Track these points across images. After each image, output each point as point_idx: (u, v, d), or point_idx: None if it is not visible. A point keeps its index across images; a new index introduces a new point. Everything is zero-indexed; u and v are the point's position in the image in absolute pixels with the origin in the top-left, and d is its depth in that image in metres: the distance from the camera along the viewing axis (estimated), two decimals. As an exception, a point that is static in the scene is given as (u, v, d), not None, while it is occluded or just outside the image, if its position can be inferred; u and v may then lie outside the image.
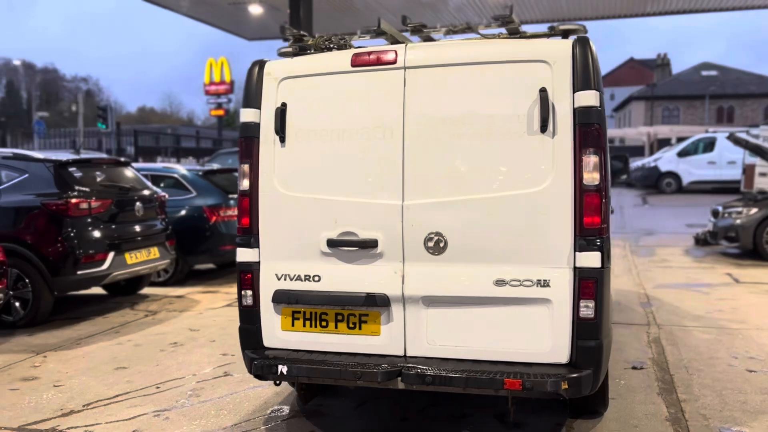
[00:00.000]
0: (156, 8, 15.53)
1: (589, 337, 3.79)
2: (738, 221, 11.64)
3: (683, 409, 4.70)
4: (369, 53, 4.14)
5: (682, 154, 26.86)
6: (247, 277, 4.30)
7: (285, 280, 4.23)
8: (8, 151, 8.32)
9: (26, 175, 7.77)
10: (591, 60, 3.82)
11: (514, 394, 3.72)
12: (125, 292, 9.26)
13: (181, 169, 10.61)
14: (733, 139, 12.47)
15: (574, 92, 3.79)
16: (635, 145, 43.74)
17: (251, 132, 4.29)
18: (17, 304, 7.55)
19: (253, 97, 4.31)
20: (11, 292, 7.46)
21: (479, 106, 3.95)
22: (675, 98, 52.95)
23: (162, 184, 10.07)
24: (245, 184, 4.32)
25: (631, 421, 4.52)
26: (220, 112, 48.03)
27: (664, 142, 36.65)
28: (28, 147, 42.46)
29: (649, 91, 53.40)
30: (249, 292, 4.31)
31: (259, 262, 4.30)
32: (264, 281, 4.27)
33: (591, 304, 3.77)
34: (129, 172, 8.84)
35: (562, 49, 3.85)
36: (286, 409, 4.86)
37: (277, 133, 4.23)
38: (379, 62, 4.10)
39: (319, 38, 4.34)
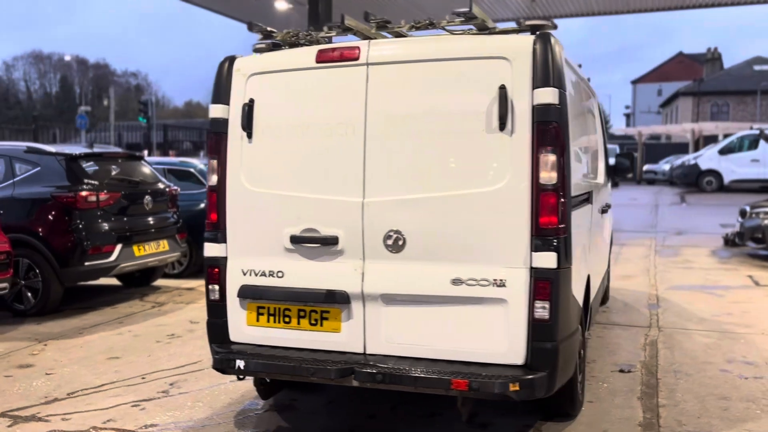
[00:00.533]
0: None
1: (544, 338, 3.72)
2: (766, 221, 11.26)
3: (659, 415, 4.58)
4: (333, 49, 4.13)
5: (723, 151, 26.12)
6: (215, 271, 4.35)
7: (250, 275, 4.26)
8: (22, 144, 8.56)
9: (38, 168, 7.99)
10: (551, 57, 3.74)
11: (463, 394, 3.68)
12: (138, 283, 9.45)
13: (197, 163, 10.76)
14: (764, 136, 12.06)
15: (533, 89, 3.72)
16: (680, 142, 42.74)
17: (220, 128, 4.33)
18: (29, 293, 7.77)
19: (222, 93, 4.35)
20: (23, 282, 7.69)
21: (439, 103, 3.91)
22: (724, 93, 51.42)
23: (177, 179, 10.23)
24: (213, 179, 4.36)
25: (603, 425, 4.43)
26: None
27: (710, 139, 35.72)
28: (75, 140, 43.60)
29: (697, 87, 51.97)
30: (216, 287, 4.36)
31: (226, 258, 4.34)
32: (230, 276, 4.31)
33: (546, 305, 3.71)
34: (140, 166, 9.00)
35: (522, 45, 3.79)
36: (261, 403, 4.89)
37: (244, 129, 4.26)
38: (342, 58, 4.09)
39: (286, 34, 4.35)
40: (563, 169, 3.74)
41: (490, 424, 4.46)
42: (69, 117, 67.43)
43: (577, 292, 4.12)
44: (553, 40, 3.81)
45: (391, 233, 3.96)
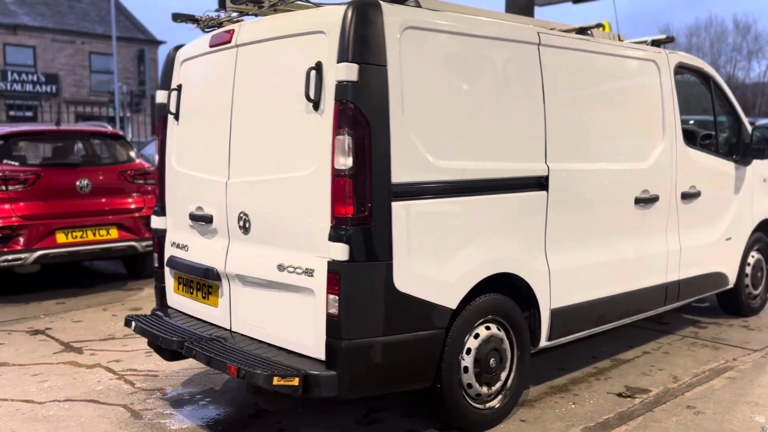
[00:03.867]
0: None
1: (335, 335, 3.44)
2: None
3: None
4: (219, 33, 4.25)
5: None
6: (156, 242, 4.83)
7: (174, 247, 4.65)
8: None
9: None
10: (359, 27, 3.37)
11: (249, 382, 3.55)
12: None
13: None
14: None
15: (337, 65, 3.41)
16: None
17: (161, 111, 4.75)
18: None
19: (165, 79, 4.76)
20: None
21: (274, 84, 3.81)
22: None
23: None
24: (157, 159, 4.82)
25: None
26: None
27: None
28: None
29: None
30: (157, 255, 4.83)
31: (165, 230, 4.78)
32: (166, 247, 4.75)
33: (336, 299, 3.41)
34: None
35: (335, 17, 3.47)
36: (159, 385, 4.91)
37: (173, 112, 4.62)
38: (223, 42, 4.19)
39: (208, 19, 4.54)
40: (365, 154, 3.36)
41: (378, 423, 4.20)
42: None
43: (427, 290, 3.63)
44: (371, 8, 3.41)
45: (242, 215, 3.98)
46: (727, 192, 5.91)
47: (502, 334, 4.09)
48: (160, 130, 4.78)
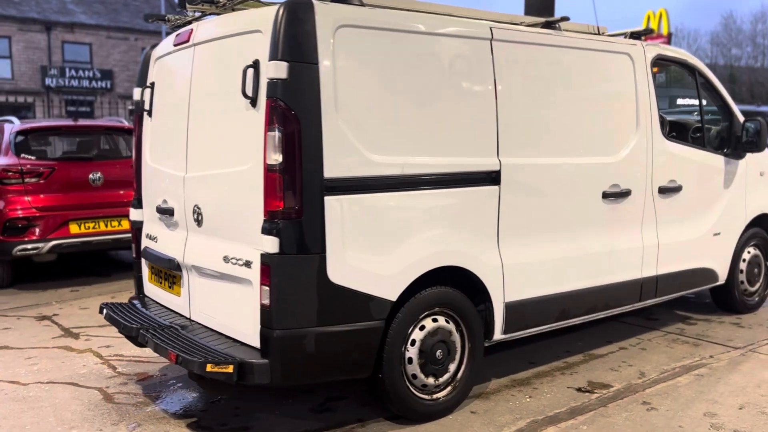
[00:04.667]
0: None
1: (268, 325, 3.57)
2: None
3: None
4: (182, 32, 4.41)
5: None
6: (134, 233, 5.04)
7: (147, 238, 4.86)
8: None
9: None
10: (289, 25, 3.48)
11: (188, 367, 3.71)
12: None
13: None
14: None
15: (269, 62, 3.53)
16: None
17: (138, 108, 4.96)
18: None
19: (142, 76, 4.96)
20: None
21: (222, 81, 3.95)
22: None
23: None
24: (135, 153, 5.03)
25: (436, 436, 3.93)
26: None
27: None
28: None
29: None
30: (134, 246, 5.05)
31: (142, 222, 4.99)
32: (142, 238, 4.96)
33: (267, 290, 3.54)
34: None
35: (269, 15, 3.59)
36: (140, 370, 5.09)
37: (147, 109, 4.82)
38: (183, 41, 4.36)
39: (177, 19, 4.71)
40: (294, 149, 3.47)
41: (332, 410, 4.31)
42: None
43: (364, 282, 3.72)
44: (302, 7, 3.51)
45: (196, 208, 4.15)
46: (715, 186, 5.79)
47: (450, 326, 4.15)
48: (136, 127, 4.98)
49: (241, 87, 3.63)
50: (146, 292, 4.94)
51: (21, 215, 7.63)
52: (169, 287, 4.54)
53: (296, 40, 3.48)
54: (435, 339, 4.06)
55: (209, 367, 3.53)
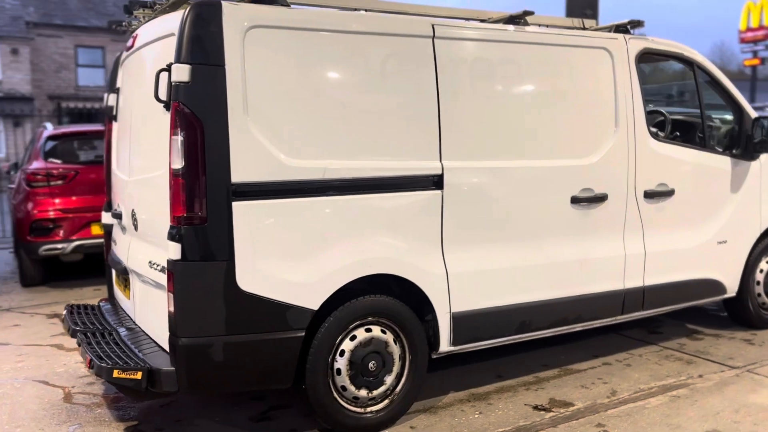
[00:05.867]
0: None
1: (173, 332, 3.52)
2: None
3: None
4: (131, 38, 4.44)
5: None
6: (105, 236, 5.13)
7: (113, 242, 4.93)
8: None
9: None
10: (192, 28, 3.42)
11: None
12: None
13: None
14: None
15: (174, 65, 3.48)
16: None
17: (108, 113, 5.04)
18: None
19: (111, 81, 5.04)
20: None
21: (149, 85, 3.91)
22: None
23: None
24: (105, 158, 5.12)
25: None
26: (755, 62, 43.04)
27: None
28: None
29: None
30: (105, 249, 5.14)
31: (112, 225, 5.07)
32: (111, 241, 5.04)
33: (171, 298, 3.49)
34: None
35: (178, 19, 3.54)
36: None
37: (111, 114, 4.90)
38: (130, 46, 4.39)
39: (126, 23, 4.72)
40: (197, 154, 3.40)
41: (271, 419, 4.23)
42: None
43: (279, 290, 3.61)
44: (208, 9, 3.44)
45: (133, 212, 4.17)
46: (719, 190, 5.32)
47: (387, 336, 3.98)
48: (106, 132, 5.06)
49: (155, 91, 3.60)
50: (115, 295, 5.01)
51: (46, 216, 7.95)
52: (124, 291, 4.58)
53: (199, 43, 3.42)
54: (367, 350, 3.90)
55: (116, 374, 3.52)
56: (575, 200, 4.53)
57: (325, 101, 3.74)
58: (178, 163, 3.42)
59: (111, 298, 5.07)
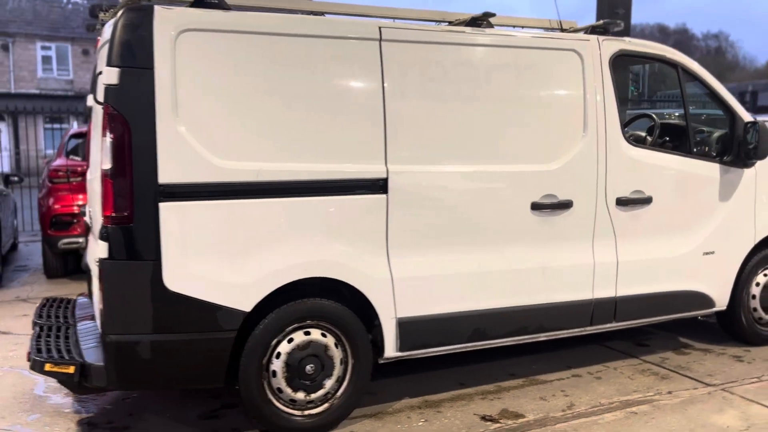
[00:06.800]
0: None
1: (103, 329, 3.62)
2: None
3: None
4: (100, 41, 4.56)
5: None
6: (88, 239, 5.30)
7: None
8: None
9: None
10: (122, 32, 3.50)
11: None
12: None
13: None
14: None
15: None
16: None
17: (87, 114, 5.20)
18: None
19: (93, 83, 5.18)
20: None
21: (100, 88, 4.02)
22: None
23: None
24: (86, 158, 5.29)
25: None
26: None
27: None
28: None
29: None
30: (85, 246, 5.31)
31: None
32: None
33: (100, 295, 3.59)
34: None
35: (112, 23, 3.63)
36: None
37: (88, 115, 5.05)
38: (96, 48, 4.51)
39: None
40: (123, 155, 3.47)
41: (218, 417, 4.28)
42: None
43: (208, 291, 3.64)
44: (138, 13, 3.51)
45: (90, 211, 4.29)
46: (705, 199, 5.06)
47: (327, 340, 3.96)
48: (88, 132, 5.22)
49: (94, 94, 3.69)
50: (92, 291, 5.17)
51: (66, 211, 8.26)
52: (91, 287, 4.72)
53: (128, 46, 3.49)
54: (305, 353, 3.90)
55: (48, 367, 3.64)
56: (536, 206, 4.41)
57: (263, 104, 3.75)
58: (107, 164, 3.51)
59: (90, 295, 5.22)
